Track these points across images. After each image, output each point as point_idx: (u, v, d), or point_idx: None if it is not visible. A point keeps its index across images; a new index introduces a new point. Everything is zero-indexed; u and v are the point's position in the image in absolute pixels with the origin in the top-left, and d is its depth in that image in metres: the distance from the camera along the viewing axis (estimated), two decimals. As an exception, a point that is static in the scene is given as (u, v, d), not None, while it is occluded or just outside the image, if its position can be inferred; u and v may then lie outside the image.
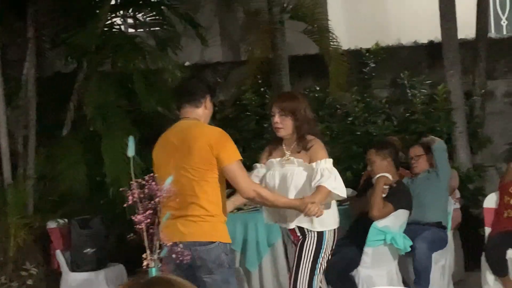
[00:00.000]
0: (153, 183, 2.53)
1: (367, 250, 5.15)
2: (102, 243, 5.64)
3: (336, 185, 3.93)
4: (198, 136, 3.63)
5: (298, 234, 3.99)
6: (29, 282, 5.56)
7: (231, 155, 3.65)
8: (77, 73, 7.10)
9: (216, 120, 7.64)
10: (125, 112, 7.27)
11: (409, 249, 5.21)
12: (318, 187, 3.85)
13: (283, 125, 4.01)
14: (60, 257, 5.57)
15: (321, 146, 4.04)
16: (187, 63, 8.32)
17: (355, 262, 5.17)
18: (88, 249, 5.45)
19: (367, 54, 8.11)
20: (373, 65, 8.10)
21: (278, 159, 4.07)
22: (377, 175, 5.27)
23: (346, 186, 6.72)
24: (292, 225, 3.95)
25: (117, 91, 7.11)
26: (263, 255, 5.44)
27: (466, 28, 7.84)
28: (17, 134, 6.74)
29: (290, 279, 4.03)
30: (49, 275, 5.77)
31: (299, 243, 3.99)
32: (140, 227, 2.43)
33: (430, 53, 8.14)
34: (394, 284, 5.01)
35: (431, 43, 8.16)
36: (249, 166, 7.31)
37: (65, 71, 7.63)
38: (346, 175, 7.20)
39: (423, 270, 5.31)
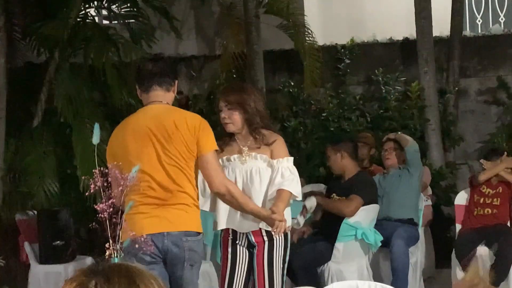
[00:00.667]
0: (117, 171, 2.49)
1: (338, 245, 5.17)
2: (71, 236, 5.60)
3: (298, 189, 3.79)
4: (180, 121, 3.42)
5: (264, 236, 3.78)
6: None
7: (211, 144, 3.46)
8: (48, 64, 7.02)
9: (189, 114, 7.64)
10: (97, 104, 7.22)
11: (380, 244, 5.23)
12: (281, 193, 3.67)
13: (232, 119, 3.79)
14: (28, 249, 5.51)
15: (283, 143, 3.89)
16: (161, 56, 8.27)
17: (325, 257, 5.18)
18: (58, 242, 5.40)
19: (342, 50, 8.13)
20: (348, 61, 8.12)
21: (237, 155, 3.81)
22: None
23: (319, 182, 6.80)
24: (259, 226, 3.72)
25: (88, 83, 7.05)
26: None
27: (441, 25, 7.90)
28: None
29: (262, 285, 3.82)
30: (17, 267, 5.71)
31: (265, 247, 3.80)
32: (102, 216, 2.40)
33: (404, 50, 8.18)
34: (365, 279, 5.03)
35: (406, 40, 8.21)
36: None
37: (37, 62, 7.54)
38: (319, 170, 7.23)
39: (401, 267, 5.30)
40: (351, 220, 5.13)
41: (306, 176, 6.88)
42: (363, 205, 5.18)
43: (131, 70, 7.05)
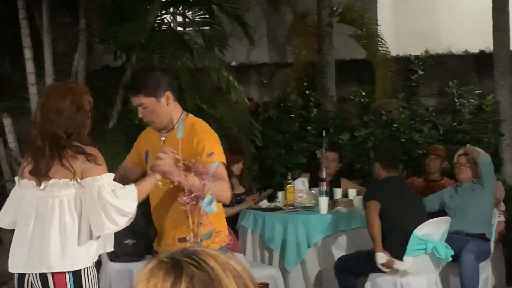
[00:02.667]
0: (199, 165, 2.58)
1: (407, 259, 5.10)
2: (142, 235, 5.71)
3: None
4: None
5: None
6: None
7: None
8: (125, 68, 7.21)
9: (259, 120, 7.73)
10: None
11: (450, 259, 5.17)
12: None
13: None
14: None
15: None
16: (233, 63, 8.40)
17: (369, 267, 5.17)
18: (128, 240, 5.51)
19: (415, 61, 8.11)
20: (421, 72, 8.10)
21: None
22: None
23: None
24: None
25: (162, 87, 7.20)
26: (303, 256, 5.47)
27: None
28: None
29: None
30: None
31: None
32: (185, 208, 2.49)
33: (480, 62, 8.09)
34: (434, 294, 4.99)
35: (482, 52, 8.12)
36: (290, 167, 7.42)
37: (113, 65, 7.76)
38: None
39: (471, 282, 5.23)
40: (419, 233, 5.05)
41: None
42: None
43: (204, 76, 7.21)
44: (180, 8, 7.86)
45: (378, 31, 7.96)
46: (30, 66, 6.59)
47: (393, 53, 8.12)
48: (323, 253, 5.45)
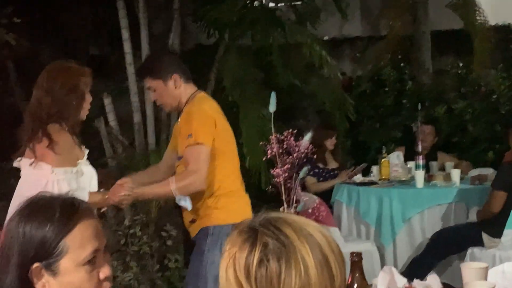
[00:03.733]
0: (292, 138, 2.64)
1: (508, 232, 5.00)
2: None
3: None
4: None
5: None
6: (169, 243, 5.83)
7: None
8: (218, 46, 7.33)
9: (352, 95, 7.70)
10: (262, 84, 7.46)
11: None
12: None
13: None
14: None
15: None
16: (325, 38, 8.38)
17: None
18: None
19: (515, 30, 7.86)
20: (522, 42, 7.84)
21: None
22: None
23: (487, 166, 6.59)
24: None
25: (255, 64, 7.29)
26: (398, 231, 5.44)
27: None
28: (161, 103, 7.06)
29: None
30: (188, 238, 6.03)
31: None
32: (278, 180, 2.56)
33: None
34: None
35: None
36: (384, 142, 7.35)
37: (206, 44, 7.89)
38: (487, 155, 7.05)
39: None
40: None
41: (473, 160, 6.73)
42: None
43: (297, 53, 7.22)
44: (272, -16, 7.89)
45: (476, -1, 7.77)
46: (127, 47, 6.78)
47: (492, 22, 7.90)
48: (419, 229, 5.40)
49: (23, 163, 3.14)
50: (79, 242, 1.58)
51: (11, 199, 3.48)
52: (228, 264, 1.33)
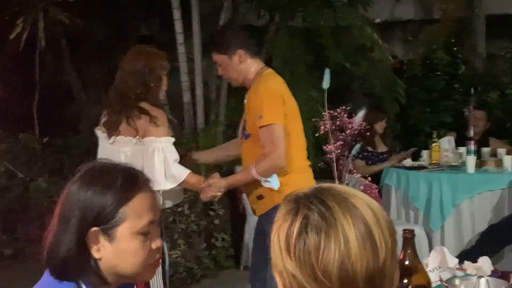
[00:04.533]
0: (345, 115, 2.63)
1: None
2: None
3: None
4: None
5: None
6: (216, 221, 5.89)
7: None
8: (268, 27, 7.33)
9: (403, 78, 7.63)
10: (312, 66, 7.44)
11: None
12: None
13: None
14: (245, 201, 5.87)
15: None
16: (377, 20, 8.29)
17: None
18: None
19: None
20: None
21: None
22: None
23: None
24: None
25: (305, 45, 7.27)
26: (447, 216, 5.39)
27: None
28: (211, 83, 7.10)
29: None
30: (235, 217, 6.08)
31: None
32: (330, 156, 2.56)
33: None
34: None
35: None
36: (435, 126, 7.27)
37: (257, 25, 7.89)
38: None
39: None
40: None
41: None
42: None
43: (348, 35, 7.18)
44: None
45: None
46: (178, 26, 6.84)
47: (549, 6, 7.71)
48: (468, 214, 5.34)
49: (124, 141, 3.31)
50: (137, 212, 1.61)
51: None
52: (274, 236, 1.30)
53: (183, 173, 3.27)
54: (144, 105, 3.28)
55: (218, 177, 3.37)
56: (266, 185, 3.24)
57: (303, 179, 3.35)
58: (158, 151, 3.22)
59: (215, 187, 3.33)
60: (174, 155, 3.26)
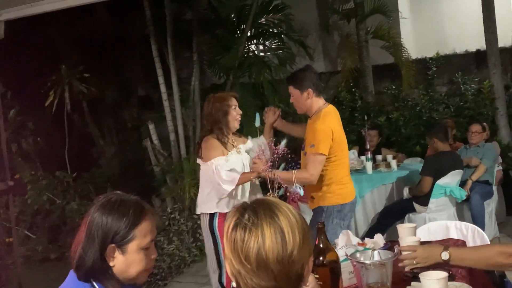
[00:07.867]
0: (272, 144, 2.63)
1: (432, 201, 4.97)
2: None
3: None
4: None
5: None
6: (199, 222, 5.80)
7: None
8: (226, 84, 7.34)
9: (321, 112, 7.65)
10: (260, 108, 7.43)
11: (464, 198, 4.99)
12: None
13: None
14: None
15: None
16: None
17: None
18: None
19: (430, 61, 7.83)
20: (435, 68, 7.83)
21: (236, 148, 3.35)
22: None
23: (416, 157, 6.56)
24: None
25: (253, 95, 7.29)
26: (356, 205, 5.29)
27: (504, 38, 7.39)
28: (189, 125, 7.06)
29: None
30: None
31: None
32: (264, 173, 2.56)
33: (477, 58, 7.74)
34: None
35: (478, 51, 7.77)
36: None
37: (218, 83, 7.91)
38: (416, 148, 7.01)
39: (479, 215, 5.07)
40: (440, 182, 4.90)
41: (406, 152, 6.71)
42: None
43: (281, 85, 7.20)
44: (260, 39, 7.90)
45: (402, 41, 7.74)
46: (163, 88, 6.80)
47: (413, 56, 7.88)
48: (370, 202, 5.37)
49: (200, 161, 3.28)
50: (143, 233, 1.58)
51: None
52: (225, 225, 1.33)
53: (234, 180, 3.14)
54: (205, 137, 3.27)
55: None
56: (295, 188, 3.08)
57: (341, 189, 3.25)
58: (215, 167, 3.17)
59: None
60: (224, 168, 3.16)
